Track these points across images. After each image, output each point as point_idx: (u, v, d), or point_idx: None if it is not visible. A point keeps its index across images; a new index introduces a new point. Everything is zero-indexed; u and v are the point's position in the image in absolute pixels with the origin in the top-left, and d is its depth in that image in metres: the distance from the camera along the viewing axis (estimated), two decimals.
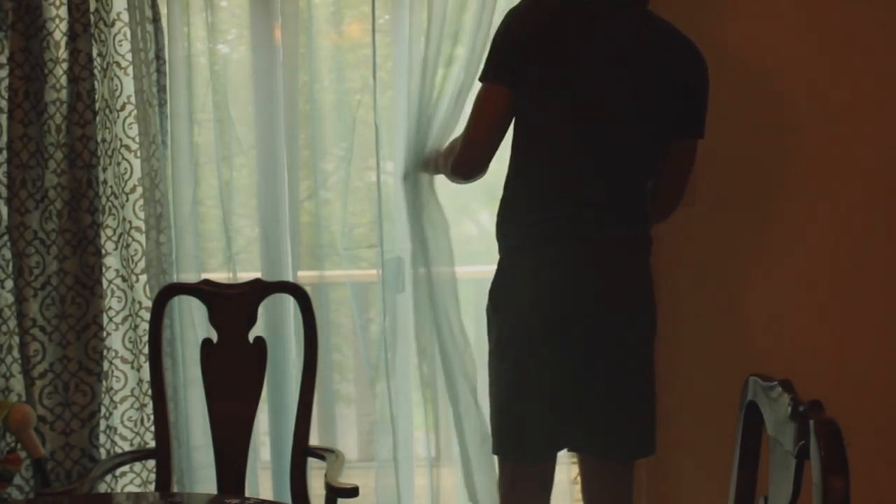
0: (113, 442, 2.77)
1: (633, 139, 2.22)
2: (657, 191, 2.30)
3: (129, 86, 2.72)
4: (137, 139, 2.72)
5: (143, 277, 2.74)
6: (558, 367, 2.16)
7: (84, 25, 2.66)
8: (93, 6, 2.68)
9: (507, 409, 2.24)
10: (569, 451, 2.40)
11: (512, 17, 2.25)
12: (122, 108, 2.73)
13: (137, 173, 2.73)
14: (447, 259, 2.62)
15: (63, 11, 2.70)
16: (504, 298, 2.23)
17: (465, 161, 2.29)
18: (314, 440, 2.62)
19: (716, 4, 2.72)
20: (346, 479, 2.37)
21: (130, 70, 2.71)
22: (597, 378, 2.17)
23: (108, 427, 2.76)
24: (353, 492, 2.26)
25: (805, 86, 2.73)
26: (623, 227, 2.23)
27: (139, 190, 2.73)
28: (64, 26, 2.70)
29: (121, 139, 2.73)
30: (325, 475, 2.35)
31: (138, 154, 2.72)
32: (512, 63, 2.20)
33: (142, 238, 2.74)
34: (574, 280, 2.16)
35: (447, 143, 2.49)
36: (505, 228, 2.27)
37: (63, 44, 2.71)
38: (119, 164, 2.73)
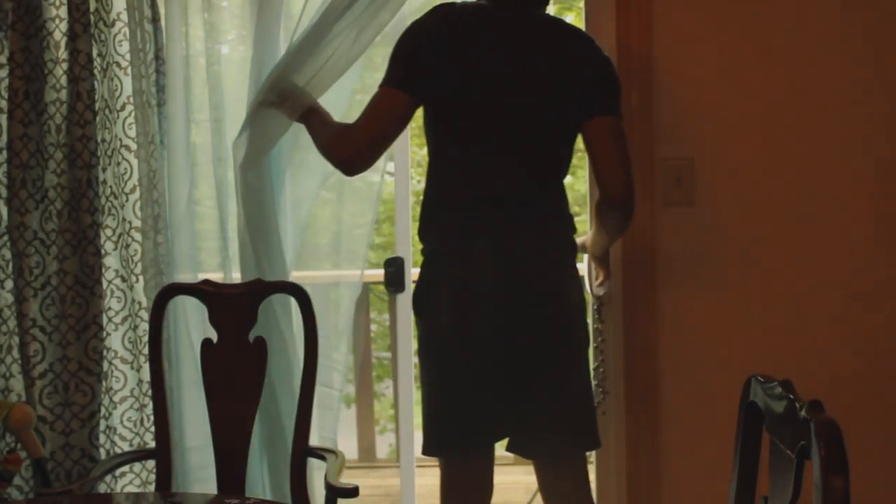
0: (112, 442, 2.76)
1: (541, 137, 2.27)
2: (599, 184, 2.32)
3: (128, 86, 2.72)
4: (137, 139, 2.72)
5: (143, 278, 2.74)
6: (478, 366, 2.21)
7: (84, 25, 2.66)
8: (93, 6, 2.68)
9: (435, 405, 2.29)
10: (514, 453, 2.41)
11: (414, 27, 2.32)
12: (122, 108, 2.73)
13: (137, 174, 2.73)
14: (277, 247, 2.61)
15: (63, 11, 2.70)
16: (426, 299, 2.28)
17: (346, 157, 2.32)
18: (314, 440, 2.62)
19: (720, 5, 2.73)
20: (346, 479, 2.37)
21: (130, 70, 2.71)
22: (519, 376, 2.22)
23: (107, 427, 2.76)
24: (353, 492, 2.26)
25: (809, 85, 2.74)
26: (538, 224, 2.26)
27: (139, 190, 2.73)
28: (64, 26, 2.70)
29: (120, 139, 2.73)
30: (325, 475, 2.36)
31: (138, 154, 2.72)
32: (412, 71, 2.26)
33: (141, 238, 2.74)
34: (492, 280, 2.20)
35: (337, 122, 2.44)
36: (425, 231, 2.32)
37: (63, 44, 2.71)
38: (119, 164, 2.73)
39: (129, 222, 2.74)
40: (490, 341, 2.20)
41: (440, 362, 2.26)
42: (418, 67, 2.25)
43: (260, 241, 2.60)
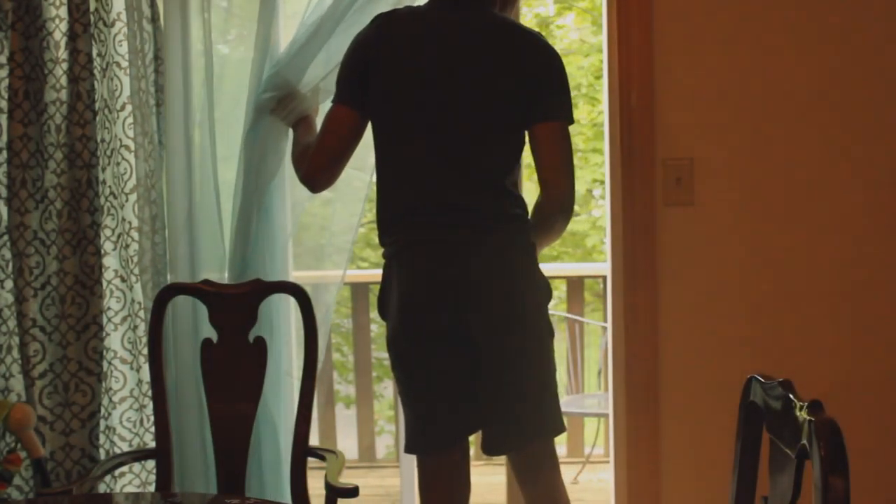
0: (112, 442, 2.76)
1: (483, 139, 2.26)
2: (541, 188, 2.31)
3: (128, 86, 2.72)
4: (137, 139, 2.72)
5: (143, 278, 2.74)
6: (431, 367, 2.26)
7: (84, 25, 2.66)
8: (93, 6, 2.69)
9: (407, 405, 2.35)
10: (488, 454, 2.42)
11: (353, 41, 2.34)
12: (122, 108, 2.73)
13: (136, 173, 2.73)
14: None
15: (63, 11, 2.70)
16: (385, 303, 2.33)
17: (305, 176, 2.41)
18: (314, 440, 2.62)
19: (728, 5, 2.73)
20: (346, 479, 2.37)
21: (130, 70, 2.71)
22: (475, 376, 2.25)
23: (107, 427, 2.76)
24: (353, 492, 2.26)
25: (809, 85, 2.74)
26: (483, 225, 2.25)
27: (138, 190, 2.73)
28: (64, 26, 2.70)
29: (120, 139, 2.73)
30: (325, 475, 2.36)
31: (137, 154, 2.72)
32: (354, 86, 2.30)
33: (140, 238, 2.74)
34: (438, 284, 2.22)
35: (305, 140, 2.49)
36: (382, 238, 2.35)
37: (63, 44, 2.71)
38: (118, 164, 2.73)
39: (129, 222, 2.74)
40: (440, 343, 2.23)
41: (398, 366, 2.31)
42: (358, 83, 2.29)
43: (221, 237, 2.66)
